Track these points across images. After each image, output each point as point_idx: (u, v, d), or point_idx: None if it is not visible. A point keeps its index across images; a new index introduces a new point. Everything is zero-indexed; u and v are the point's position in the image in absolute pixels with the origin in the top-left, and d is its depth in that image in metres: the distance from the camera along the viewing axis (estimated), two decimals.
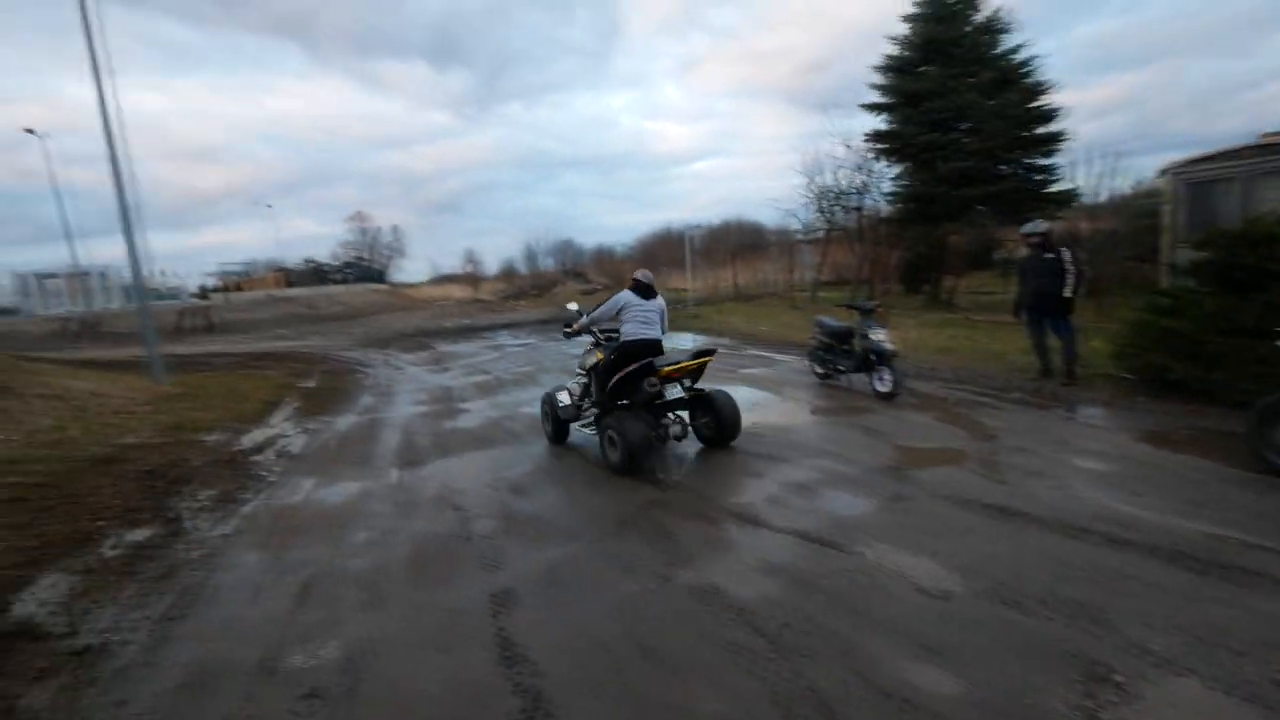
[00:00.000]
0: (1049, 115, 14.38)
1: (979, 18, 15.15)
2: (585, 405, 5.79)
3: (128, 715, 2.51)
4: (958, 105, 14.17)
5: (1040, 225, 7.02)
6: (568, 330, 5.91)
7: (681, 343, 12.54)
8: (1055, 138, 14.33)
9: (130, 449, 6.80)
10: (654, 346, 5.26)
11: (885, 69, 16.22)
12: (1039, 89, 14.38)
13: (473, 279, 50.72)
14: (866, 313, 7.07)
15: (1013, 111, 13.99)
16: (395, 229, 65.94)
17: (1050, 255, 6.72)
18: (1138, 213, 11.71)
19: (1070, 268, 6.55)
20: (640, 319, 5.26)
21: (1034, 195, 14.32)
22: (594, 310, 5.65)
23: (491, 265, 58.96)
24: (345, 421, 7.80)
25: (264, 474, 5.77)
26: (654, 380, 5.04)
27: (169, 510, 4.93)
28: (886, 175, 17.04)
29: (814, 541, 3.60)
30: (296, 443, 6.89)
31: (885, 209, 17.41)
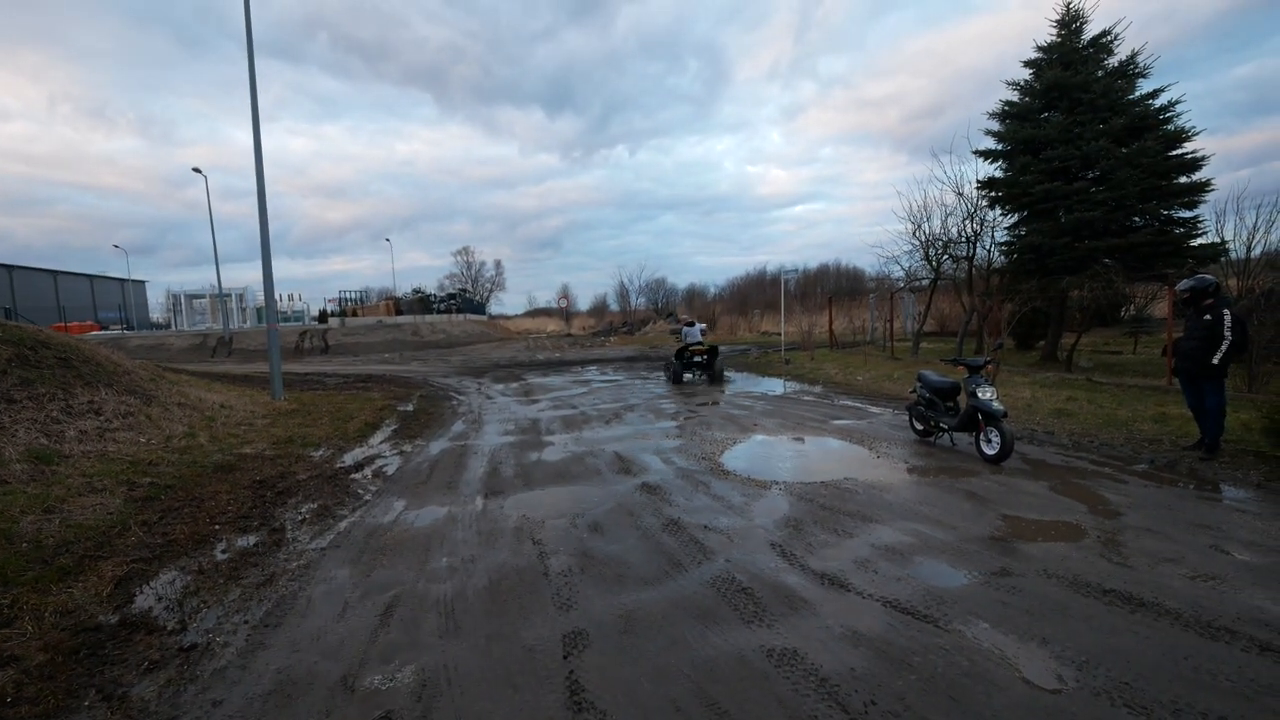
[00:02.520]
0: (1192, 164, 13.11)
1: (1112, 62, 14.24)
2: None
3: (221, 715, 2.64)
4: (1084, 153, 13.26)
5: (1202, 280, 6.21)
6: (674, 330, 14.15)
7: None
8: (1199, 187, 12.99)
9: (247, 459, 7.41)
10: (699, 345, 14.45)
11: (1002, 115, 15.53)
12: (1180, 136, 13.16)
13: (565, 314, 52.51)
14: (975, 369, 6.62)
15: (1148, 160, 12.86)
16: (497, 263, 70.31)
17: (1208, 317, 6.03)
18: None
19: (1227, 334, 5.85)
20: (692, 334, 15.09)
21: (1172, 250, 13.00)
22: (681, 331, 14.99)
23: (584, 301, 61.19)
24: (437, 446, 8.14)
25: (360, 492, 6.09)
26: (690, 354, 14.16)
27: (275, 520, 5.28)
28: (1000, 224, 16.14)
29: (906, 613, 3.31)
30: (392, 464, 7.24)
31: (997, 259, 16.42)
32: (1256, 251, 11.49)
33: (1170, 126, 13.32)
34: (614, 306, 54.51)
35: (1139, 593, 3.43)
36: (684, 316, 18.93)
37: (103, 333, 35.89)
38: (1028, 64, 15.29)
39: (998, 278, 16.01)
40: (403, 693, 2.74)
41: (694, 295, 54.79)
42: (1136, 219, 13.57)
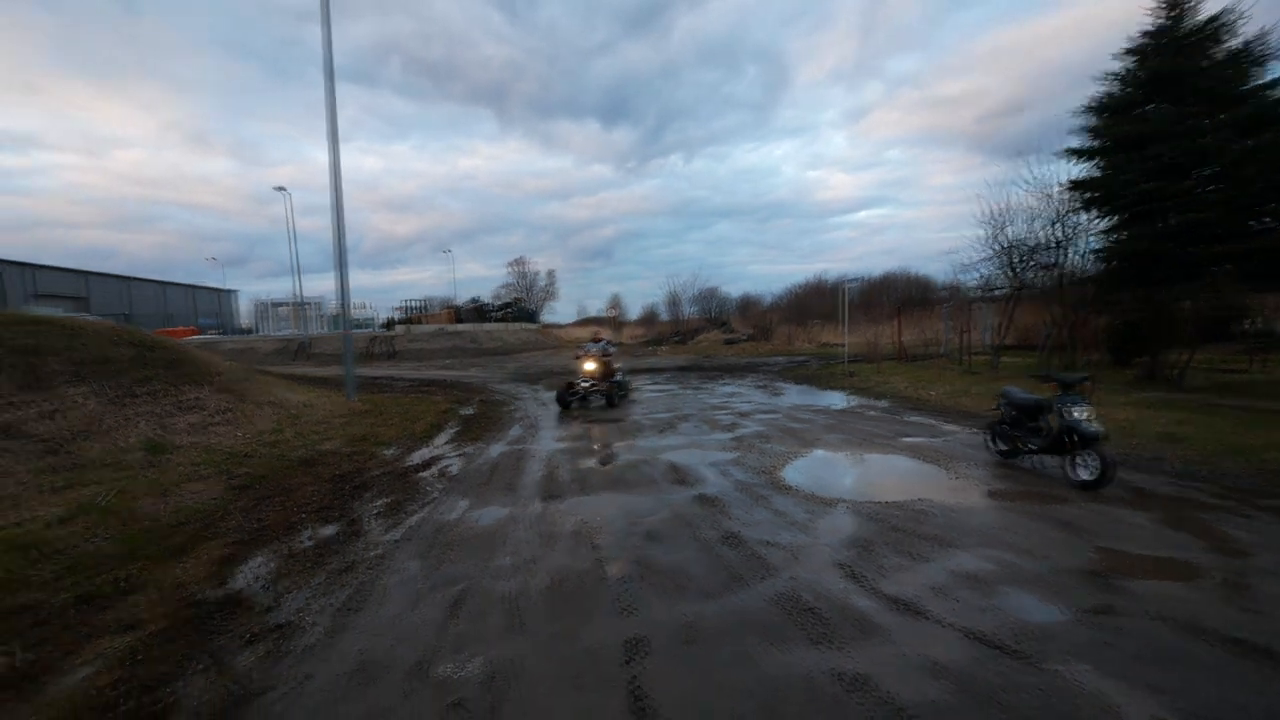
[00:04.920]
0: None
1: (1232, 44, 12.69)
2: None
3: (311, 689, 2.82)
4: (1196, 149, 12.05)
5: None
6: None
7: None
8: None
9: (326, 454, 7.86)
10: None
11: (1096, 109, 14.28)
12: None
13: (615, 323, 52.87)
14: (1068, 386, 6.16)
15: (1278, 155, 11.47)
16: (550, 273, 71.94)
17: None
18: None
19: None
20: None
21: None
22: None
23: (634, 310, 61.37)
24: (496, 449, 8.37)
25: (427, 490, 6.33)
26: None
27: (352, 512, 5.57)
28: (1092, 229, 14.79)
29: (991, 646, 3.10)
30: (455, 465, 7.50)
31: (1089, 267, 15.12)
32: None
33: None
34: (664, 316, 54.30)
35: (1269, 643, 3.07)
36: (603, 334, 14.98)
37: (201, 336, 39.13)
38: (1130, 51, 13.89)
39: (1090, 287, 14.85)
40: (473, 683, 2.82)
41: (748, 304, 53.73)
42: (1266, 220, 12.17)
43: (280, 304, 50.31)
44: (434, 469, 7.24)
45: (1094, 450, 5.75)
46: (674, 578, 3.98)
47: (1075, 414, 5.89)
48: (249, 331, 51.65)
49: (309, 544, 4.75)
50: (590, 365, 12.23)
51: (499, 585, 3.91)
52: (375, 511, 5.57)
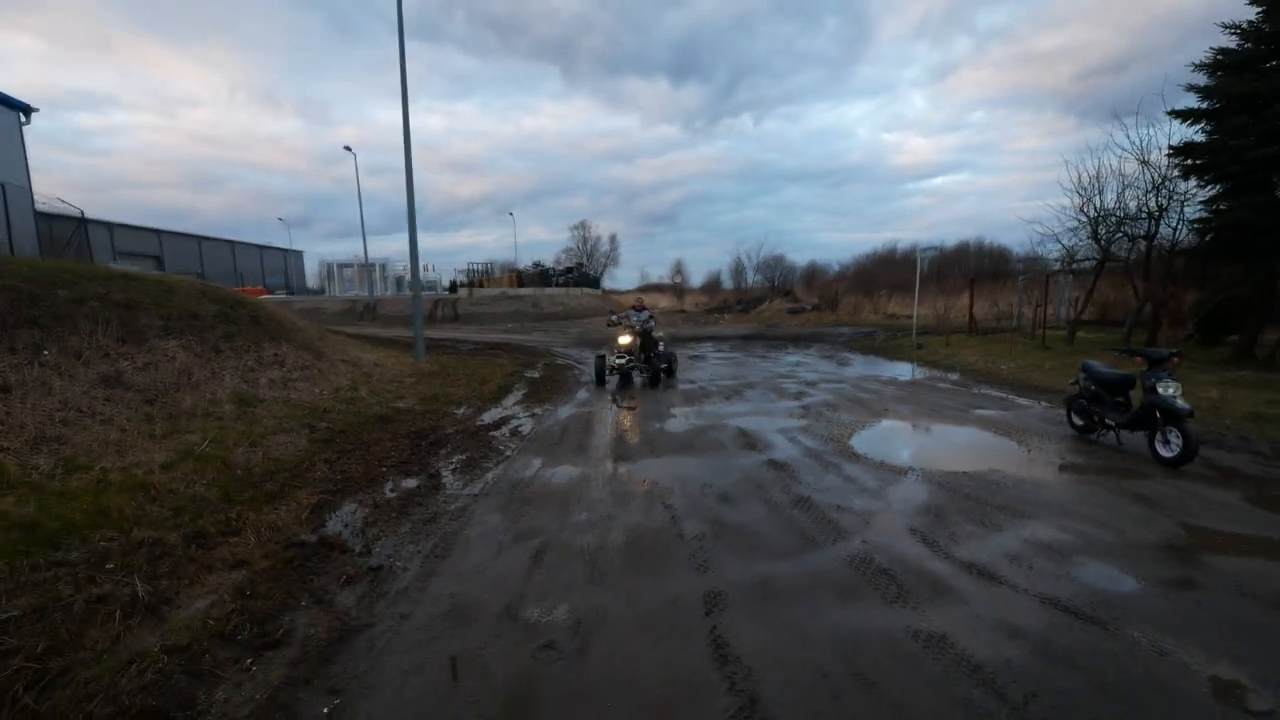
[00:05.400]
0: None
1: None
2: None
3: (410, 628, 3.02)
4: None
5: None
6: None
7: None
8: None
9: (401, 412, 8.21)
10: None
11: (1212, 67, 12.92)
12: None
13: (678, 290, 52.61)
14: (1156, 362, 5.90)
15: None
16: (612, 238, 71.58)
17: None
18: None
19: None
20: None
21: None
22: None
23: (697, 277, 60.80)
24: (565, 412, 8.57)
25: (501, 448, 6.57)
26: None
27: (430, 467, 5.85)
28: (1193, 198, 13.63)
29: (1068, 612, 3.09)
30: (526, 425, 7.73)
31: (1185, 239, 14.06)
32: None
33: None
34: (728, 283, 53.68)
35: None
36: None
37: (271, 296, 40.94)
38: (1254, 0, 12.41)
39: (1182, 260, 13.89)
40: (560, 627, 2.99)
41: (814, 273, 52.56)
42: None
43: (346, 265, 51.85)
44: (506, 429, 7.50)
45: (1178, 427, 5.53)
46: (747, 538, 4.07)
47: (1163, 390, 5.65)
48: (320, 292, 53.56)
49: (392, 495, 5.03)
50: (625, 339, 10.80)
51: (577, 539, 4.08)
52: (453, 467, 5.83)
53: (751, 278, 50.98)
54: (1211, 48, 12.98)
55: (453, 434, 7.12)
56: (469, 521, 4.45)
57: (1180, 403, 5.55)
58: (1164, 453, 5.63)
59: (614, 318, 11.64)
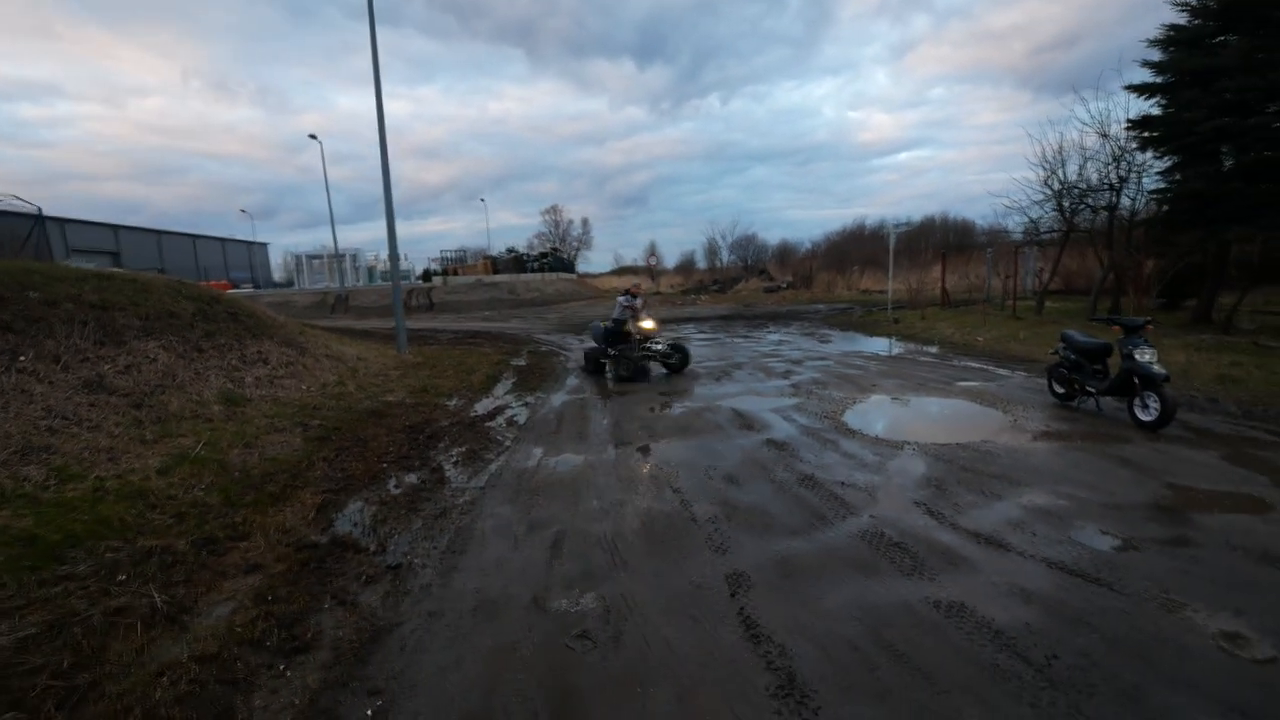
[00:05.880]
0: None
1: None
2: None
3: (440, 626, 3.03)
4: (1269, 82, 11.40)
5: None
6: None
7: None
8: None
9: (392, 406, 8.12)
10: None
11: (1165, 43, 13.40)
12: None
13: (652, 272, 52.51)
14: (1132, 329, 6.13)
15: None
16: (584, 222, 71.13)
17: None
18: None
19: None
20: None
21: None
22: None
23: (670, 258, 60.76)
24: (558, 399, 8.56)
25: (499, 439, 6.55)
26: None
27: (432, 460, 5.81)
28: (1151, 169, 14.17)
29: (1074, 574, 3.25)
30: (520, 414, 7.71)
31: (1145, 209, 14.63)
32: None
33: None
34: (701, 264, 53.81)
35: None
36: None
37: (237, 290, 39.73)
38: None
39: (1142, 229, 14.37)
40: (591, 616, 3.03)
41: (786, 251, 53.02)
42: None
43: (315, 256, 50.48)
44: (501, 419, 7.46)
45: (1155, 392, 5.78)
46: (759, 518, 4.15)
47: (1140, 356, 5.89)
48: (287, 285, 52.08)
49: (398, 491, 4.99)
50: (649, 324, 10.12)
51: (593, 527, 4.12)
52: (454, 460, 5.80)
53: (726, 258, 51.13)
54: (1163, 24, 13.45)
55: (448, 426, 7.07)
56: (480, 514, 4.45)
57: (1157, 368, 5.79)
58: (1143, 417, 5.88)
59: (621, 300, 10.57)
